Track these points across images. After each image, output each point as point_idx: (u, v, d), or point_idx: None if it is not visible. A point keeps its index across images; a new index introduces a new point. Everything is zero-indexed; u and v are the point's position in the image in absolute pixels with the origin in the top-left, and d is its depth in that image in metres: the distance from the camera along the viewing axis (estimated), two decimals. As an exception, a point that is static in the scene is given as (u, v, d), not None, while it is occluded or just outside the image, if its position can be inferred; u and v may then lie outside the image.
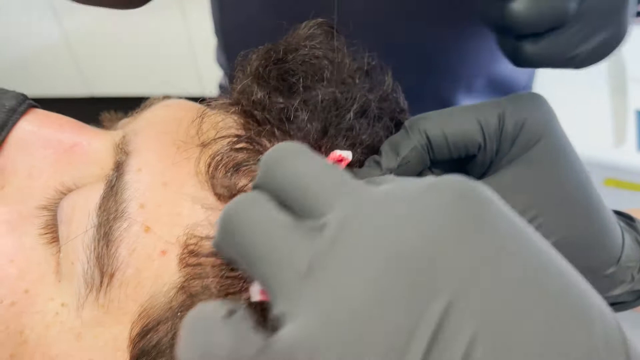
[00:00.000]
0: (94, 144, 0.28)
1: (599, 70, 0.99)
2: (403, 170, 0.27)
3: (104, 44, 1.66)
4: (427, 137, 0.27)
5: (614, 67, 1.00)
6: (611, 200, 0.96)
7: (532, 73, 0.61)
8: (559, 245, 0.25)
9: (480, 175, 0.28)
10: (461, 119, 0.27)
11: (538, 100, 0.28)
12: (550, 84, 0.61)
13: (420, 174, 0.28)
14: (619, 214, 0.31)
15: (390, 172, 0.27)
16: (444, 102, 0.56)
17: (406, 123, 0.28)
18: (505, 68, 0.55)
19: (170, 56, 1.64)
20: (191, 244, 0.24)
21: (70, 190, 0.27)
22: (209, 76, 1.77)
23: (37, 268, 0.25)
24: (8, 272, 0.25)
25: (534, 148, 0.27)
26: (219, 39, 0.63)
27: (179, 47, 1.62)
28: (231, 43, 0.61)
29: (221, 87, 0.71)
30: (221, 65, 0.66)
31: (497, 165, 0.28)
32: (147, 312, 0.24)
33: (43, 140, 0.27)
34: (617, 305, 0.31)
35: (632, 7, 0.30)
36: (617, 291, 0.29)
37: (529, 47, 0.28)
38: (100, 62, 1.72)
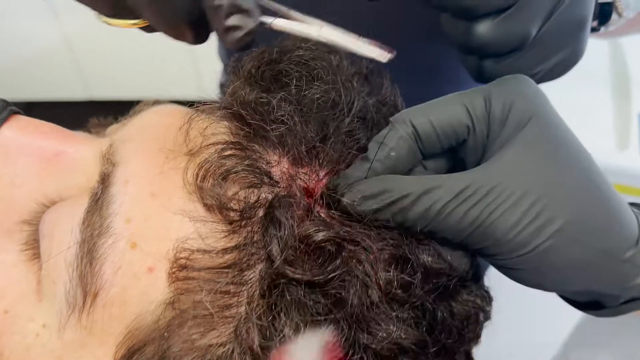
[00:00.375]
0: (80, 153, 0.27)
1: (602, 75, 0.98)
2: (393, 164, 0.26)
3: (105, 47, 1.66)
4: (414, 126, 0.26)
5: (617, 72, 0.99)
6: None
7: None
8: (568, 229, 0.24)
9: (476, 163, 0.27)
10: (446, 105, 0.27)
11: (524, 81, 0.27)
12: (553, 88, 0.60)
13: (411, 170, 0.27)
14: (631, 204, 0.30)
15: (379, 163, 0.26)
16: None
17: (392, 118, 0.27)
18: None
19: (170, 61, 1.64)
20: (181, 258, 0.23)
21: (53, 203, 0.26)
22: (209, 81, 1.77)
23: (17, 287, 0.24)
24: None
25: (525, 128, 0.26)
26: None
27: (179, 51, 1.62)
28: None
29: (221, 85, 0.70)
30: (221, 58, 0.65)
31: (491, 150, 0.27)
32: (133, 333, 0.23)
33: (25, 148, 0.26)
34: None
35: (589, 27, 0.30)
36: None
37: (491, 66, 0.29)
38: (100, 65, 1.72)
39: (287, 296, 0.23)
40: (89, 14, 0.26)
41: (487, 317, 0.30)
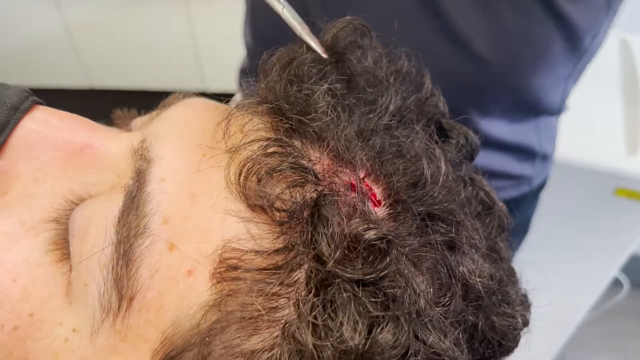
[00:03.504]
0: (107, 147, 0.25)
1: (612, 81, 0.98)
2: None
3: (106, 35, 1.65)
4: None
5: (626, 77, 0.98)
6: (621, 210, 0.95)
7: (564, 94, 0.57)
8: None
9: None
10: None
11: None
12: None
13: None
14: None
15: None
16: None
17: None
18: (536, 84, 0.51)
19: (172, 50, 1.63)
20: (232, 258, 0.22)
21: (81, 199, 0.24)
22: (211, 70, 1.77)
23: (44, 288, 0.23)
24: (10, 292, 0.22)
25: None
26: (248, 16, 0.61)
27: (181, 40, 1.61)
28: (260, 21, 0.59)
29: (242, 71, 0.68)
30: (246, 42, 0.64)
31: None
32: (171, 339, 0.22)
33: (49, 140, 0.24)
34: None
35: None
36: None
37: None
38: (101, 53, 1.71)
39: (344, 293, 0.22)
40: (90, 2, 0.25)
41: (526, 324, 0.29)
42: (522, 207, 0.63)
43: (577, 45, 0.49)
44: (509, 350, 0.28)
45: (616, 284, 1.34)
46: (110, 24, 1.61)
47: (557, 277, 1.01)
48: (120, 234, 0.22)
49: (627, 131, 0.88)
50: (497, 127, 0.54)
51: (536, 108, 0.54)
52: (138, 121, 0.30)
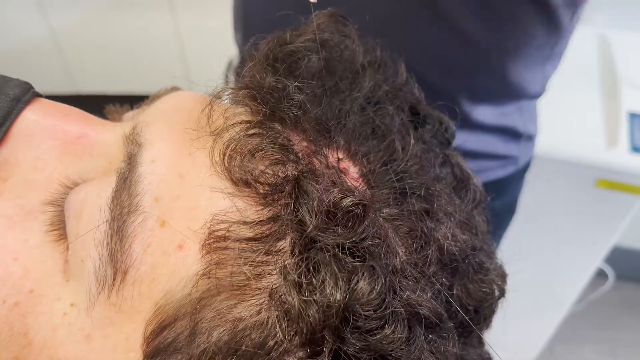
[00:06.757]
0: (101, 136, 0.27)
1: (590, 74, 0.99)
2: None
3: (91, 40, 1.64)
4: None
5: (605, 71, 1.00)
6: (603, 201, 0.97)
7: (543, 77, 0.60)
8: None
9: None
10: None
11: None
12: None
13: None
14: None
15: None
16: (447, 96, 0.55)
17: None
18: (519, 67, 0.54)
19: (158, 54, 1.62)
20: (220, 230, 0.23)
21: (76, 184, 0.26)
22: (197, 75, 1.76)
23: (43, 267, 0.24)
24: (11, 270, 0.24)
25: None
26: (237, 16, 0.62)
27: (167, 45, 1.61)
28: (250, 21, 0.60)
29: (238, 73, 0.69)
30: (237, 44, 0.65)
31: None
32: (163, 309, 0.23)
33: (48, 130, 0.26)
34: None
35: None
36: None
37: None
38: (87, 59, 1.70)
39: (325, 254, 0.23)
40: (75, 7, 0.26)
41: (502, 293, 0.30)
42: (510, 187, 0.65)
43: (555, 25, 0.51)
44: (486, 318, 0.29)
45: (601, 275, 1.36)
46: (96, 29, 1.60)
47: (542, 270, 1.03)
48: (114, 212, 0.23)
49: (606, 123, 0.90)
50: (484, 112, 0.57)
51: (518, 92, 0.57)
52: (129, 114, 0.31)
